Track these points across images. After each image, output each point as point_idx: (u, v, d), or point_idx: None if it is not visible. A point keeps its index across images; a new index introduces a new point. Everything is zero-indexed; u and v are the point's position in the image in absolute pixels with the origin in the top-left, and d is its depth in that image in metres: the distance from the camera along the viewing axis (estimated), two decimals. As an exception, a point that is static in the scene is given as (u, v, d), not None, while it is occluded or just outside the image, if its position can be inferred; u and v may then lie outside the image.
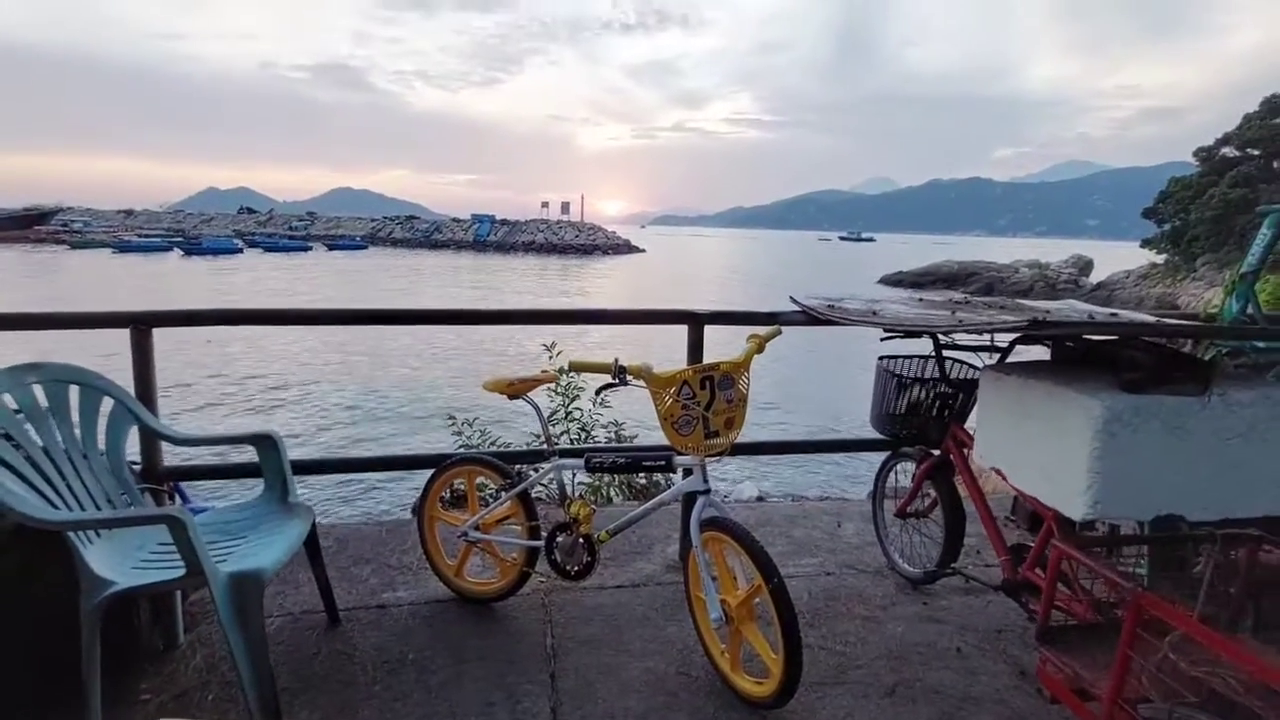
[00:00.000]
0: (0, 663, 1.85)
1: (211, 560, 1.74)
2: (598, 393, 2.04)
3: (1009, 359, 2.30)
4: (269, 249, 63.88)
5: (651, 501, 2.19)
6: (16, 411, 1.85)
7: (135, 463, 2.34)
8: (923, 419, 2.57)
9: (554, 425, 4.70)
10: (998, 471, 2.01)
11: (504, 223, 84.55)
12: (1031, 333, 1.88)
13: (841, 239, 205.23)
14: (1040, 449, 1.77)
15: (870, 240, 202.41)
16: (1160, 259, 37.34)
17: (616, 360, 1.91)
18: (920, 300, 2.80)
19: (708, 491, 2.07)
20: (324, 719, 1.93)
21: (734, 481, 5.29)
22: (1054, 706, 1.83)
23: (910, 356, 2.75)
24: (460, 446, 4.81)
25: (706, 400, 1.98)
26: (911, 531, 2.82)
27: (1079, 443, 1.58)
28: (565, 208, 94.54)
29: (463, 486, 2.57)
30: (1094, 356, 1.91)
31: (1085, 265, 42.36)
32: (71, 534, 1.71)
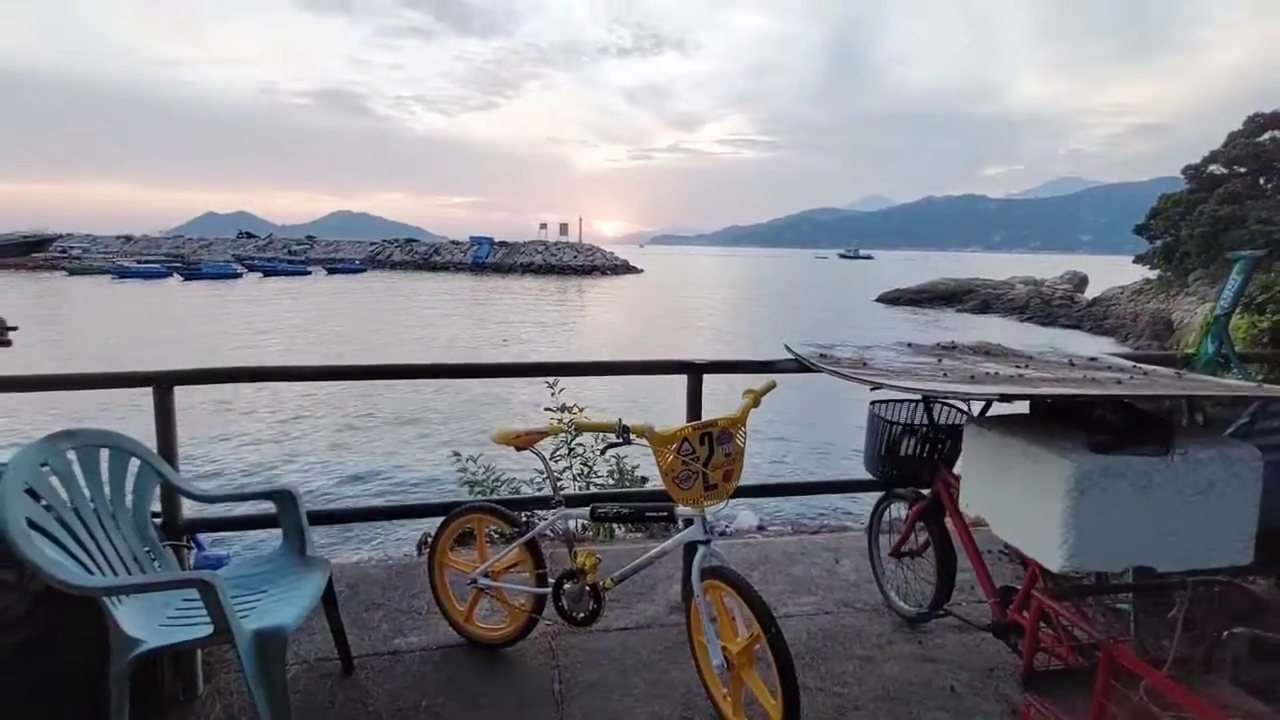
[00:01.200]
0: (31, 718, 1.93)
1: (238, 619, 1.84)
2: (603, 451, 2.15)
3: (991, 409, 2.41)
4: (268, 273, 64.24)
5: (655, 550, 2.29)
6: (50, 474, 1.95)
7: (156, 514, 2.44)
8: (913, 462, 2.68)
9: (557, 462, 4.79)
10: (983, 520, 2.12)
11: (502, 244, 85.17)
12: (1002, 401, 2.00)
13: (840, 256, 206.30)
14: (1019, 502, 1.88)
15: (868, 258, 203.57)
16: (1154, 274, 37.72)
17: (620, 420, 2.03)
18: (909, 347, 2.92)
19: (708, 541, 2.17)
20: (342, 769, 2.01)
21: (733, 515, 5.38)
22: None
23: (900, 401, 2.87)
24: (465, 483, 4.90)
25: (705, 455, 2.09)
26: (906, 570, 2.92)
27: (1054, 499, 1.69)
28: (564, 229, 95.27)
29: (471, 528, 2.67)
30: (1069, 409, 2.03)
31: (1080, 281, 42.75)
32: (104, 598, 1.80)
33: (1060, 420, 1.99)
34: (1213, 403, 2.37)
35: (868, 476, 3.10)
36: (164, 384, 2.52)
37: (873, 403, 2.87)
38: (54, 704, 1.99)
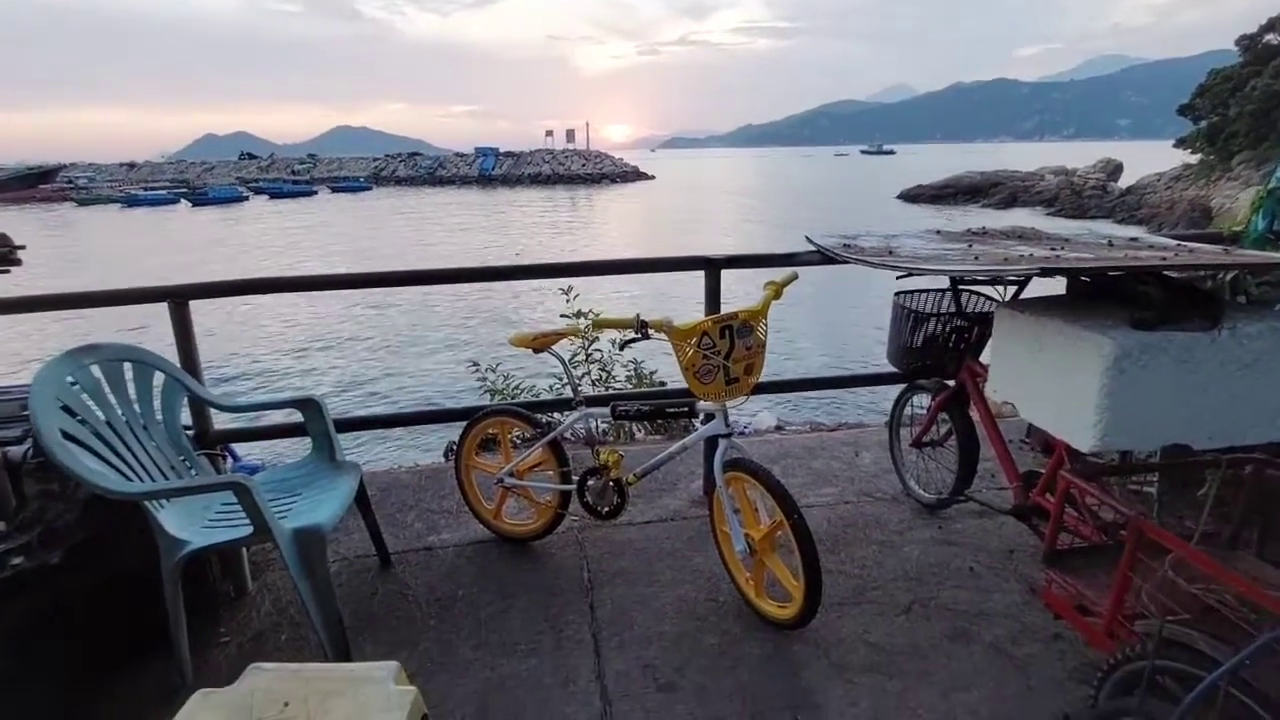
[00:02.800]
0: (97, 624, 2.05)
1: (275, 518, 1.90)
2: (621, 347, 2.11)
3: (1024, 293, 2.32)
4: (274, 195, 63.35)
5: (676, 445, 2.30)
6: (79, 390, 1.97)
7: (188, 427, 2.49)
8: (938, 352, 2.62)
9: (576, 368, 4.81)
10: (1010, 405, 2.08)
11: (508, 155, 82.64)
12: (1041, 276, 1.90)
13: (863, 153, 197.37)
14: (1052, 383, 1.83)
15: (890, 153, 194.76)
16: (1194, 159, 35.61)
17: (638, 316, 1.98)
18: (938, 234, 2.79)
19: (730, 435, 2.17)
20: (388, 652, 2.14)
21: (752, 413, 5.42)
22: (1060, 621, 1.97)
23: (926, 291, 2.77)
24: (486, 392, 4.96)
25: (726, 349, 2.05)
26: (927, 459, 2.93)
27: (1090, 379, 1.63)
28: (570, 136, 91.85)
29: (495, 433, 2.71)
30: (1109, 289, 1.93)
31: (1114, 170, 40.60)
32: (146, 502, 1.86)
33: (1098, 301, 1.90)
34: (1261, 275, 2.24)
35: (889, 370, 3.07)
36: (179, 299, 2.50)
37: (897, 293, 2.78)
38: (119, 600, 2.11)
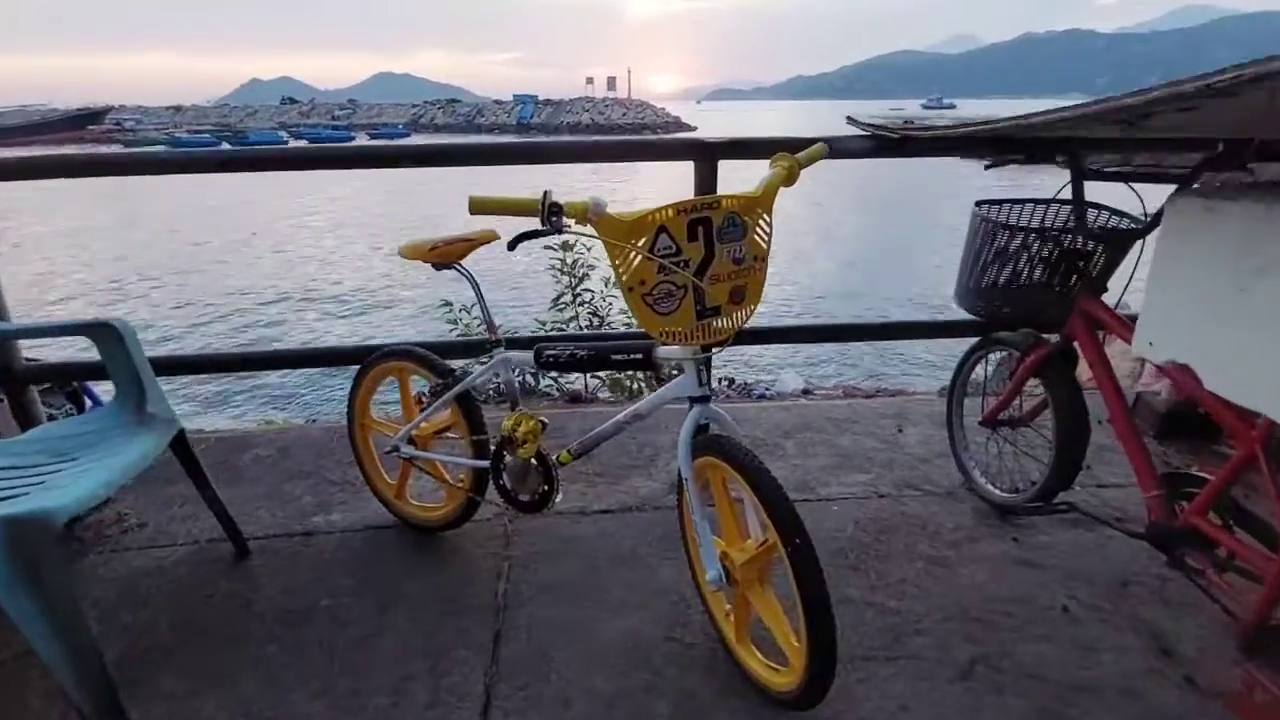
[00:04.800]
0: None
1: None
2: (511, 246, 1.33)
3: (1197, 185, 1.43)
4: (313, 140, 63.26)
5: (624, 413, 1.52)
6: None
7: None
8: (1038, 291, 1.76)
9: (561, 311, 4.05)
10: (1178, 370, 1.23)
11: (547, 103, 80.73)
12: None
13: (924, 108, 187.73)
14: (1276, 331, 0.98)
15: (951, 107, 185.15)
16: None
17: (547, 194, 1.17)
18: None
19: (705, 400, 1.38)
20: (191, 692, 1.46)
21: (772, 373, 4.58)
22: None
23: (1025, 203, 1.90)
24: (457, 335, 4.24)
25: (700, 258, 1.24)
26: (1002, 443, 2.10)
27: None
28: (611, 83, 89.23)
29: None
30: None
31: (1198, 125, 37.50)
32: None
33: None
34: None
35: (952, 318, 2.22)
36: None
37: (979, 203, 1.91)
38: None
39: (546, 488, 1.63)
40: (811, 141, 1.77)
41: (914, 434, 2.60)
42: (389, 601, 1.71)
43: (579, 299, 3.94)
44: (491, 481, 1.73)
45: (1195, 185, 1.34)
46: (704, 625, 1.61)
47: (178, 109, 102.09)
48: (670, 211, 1.20)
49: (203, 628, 1.65)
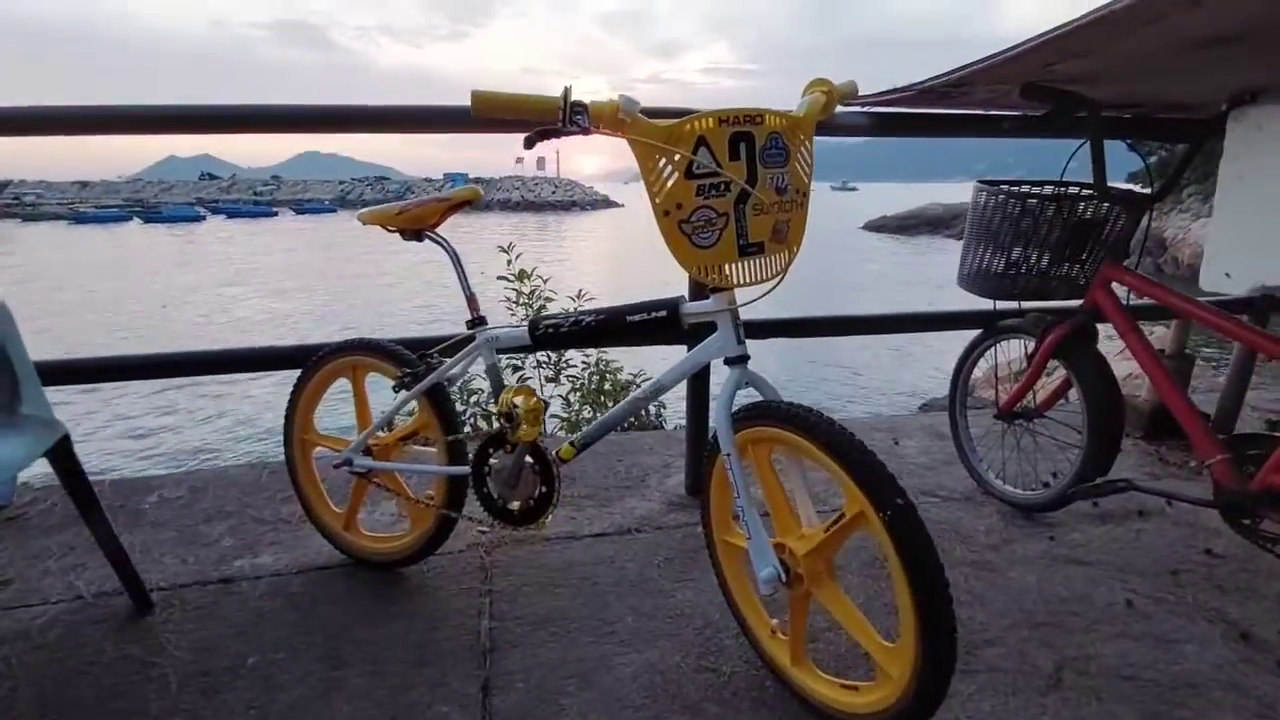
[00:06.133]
0: None
1: None
2: (528, 144, 1.11)
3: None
4: (232, 215, 61.39)
5: (648, 386, 1.28)
6: None
7: None
8: (1051, 261, 1.68)
9: (535, 304, 3.69)
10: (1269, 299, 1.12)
11: (478, 181, 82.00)
12: None
13: (833, 189, 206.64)
14: None
15: (854, 189, 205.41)
16: (1146, 192, 36.61)
17: (568, 91, 0.97)
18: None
19: (745, 360, 1.16)
20: (56, 793, 1.04)
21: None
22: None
23: (1022, 182, 1.85)
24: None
25: (742, 179, 1.05)
26: (1020, 437, 1.97)
27: None
28: (541, 163, 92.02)
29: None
30: None
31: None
32: None
33: None
34: None
35: (950, 309, 2.14)
36: None
37: (982, 182, 1.85)
38: None
39: (545, 489, 1.34)
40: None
41: (911, 445, 2.45)
42: (340, 654, 1.34)
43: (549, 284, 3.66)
44: (473, 490, 1.41)
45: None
46: (742, 651, 1.33)
47: (84, 184, 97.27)
48: (711, 121, 1.02)
49: (81, 702, 1.22)
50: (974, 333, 2.03)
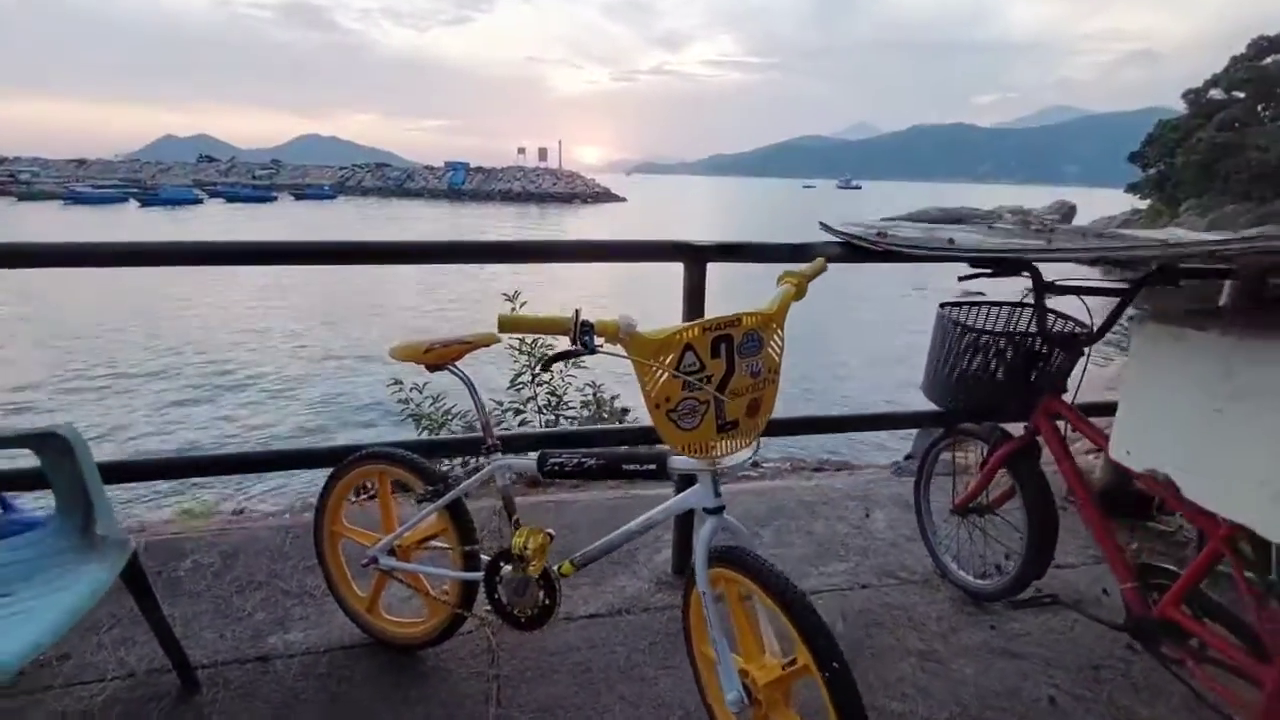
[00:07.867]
0: None
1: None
2: (545, 365, 1.32)
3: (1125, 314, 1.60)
4: (231, 199, 61.03)
5: (636, 523, 1.49)
6: None
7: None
8: (1003, 386, 1.89)
9: (520, 391, 3.97)
10: (1151, 481, 1.34)
11: (479, 170, 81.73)
12: (1200, 264, 1.19)
13: (838, 187, 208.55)
14: (1259, 449, 1.10)
15: (858, 188, 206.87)
16: (1144, 204, 36.90)
17: (578, 313, 1.18)
18: (996, 227, 2.10)
19: (720, 510, 1.37)
20: None
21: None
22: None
23: (986, 304, 2.06)
24: (409, 417, 4.07)
25: (721, 374, 1.26)
26: (972, 530, 2.19)
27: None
28: (543, 154, 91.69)
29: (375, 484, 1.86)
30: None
31: (1068, 211, 41.83)
32: None
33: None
34: None
35: (918, 409, 2.35)
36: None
37: (944, 305, 2.06)
38: None
39: (548, 602, 1.55)
40: (803, 250, 1.88)
41: (881, 517, 2.67)
42: (367, 737, 1.55)
43: (536, 379, 3.89)
44: (485, 595, 1.63)
45: (1145, 308, 1.51)
46: (714, 743, 1.55)
47: (81, 162, 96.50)
48: (696, 330, 1.23)
49: (145, 785, 1.43)
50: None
